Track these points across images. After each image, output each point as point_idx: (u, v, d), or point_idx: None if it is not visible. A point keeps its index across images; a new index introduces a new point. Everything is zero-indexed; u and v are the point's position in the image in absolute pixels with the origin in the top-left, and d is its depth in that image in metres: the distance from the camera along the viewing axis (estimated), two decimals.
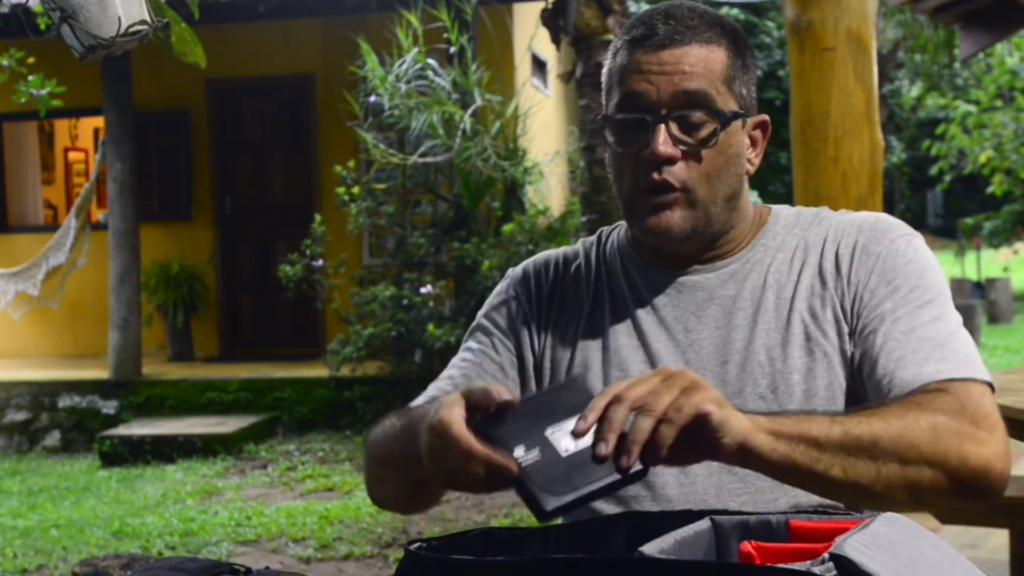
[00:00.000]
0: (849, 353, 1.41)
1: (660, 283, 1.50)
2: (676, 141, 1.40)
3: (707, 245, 1.48)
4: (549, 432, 1.13)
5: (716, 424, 1.14)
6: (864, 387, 1.40)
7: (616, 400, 1.12)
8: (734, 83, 1.43)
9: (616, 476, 1.11)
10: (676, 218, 1.42)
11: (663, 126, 1.40)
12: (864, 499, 1.25)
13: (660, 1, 1.50)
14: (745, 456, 1.18)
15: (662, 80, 1.40)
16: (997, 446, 1.29)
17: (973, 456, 1.26)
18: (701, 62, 1.41)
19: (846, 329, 1.42)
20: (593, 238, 1.62)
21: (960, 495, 1.28)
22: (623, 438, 1.11)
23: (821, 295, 1.44)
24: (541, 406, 1.16)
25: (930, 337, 1.36)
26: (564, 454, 1.12)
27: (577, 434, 1.12)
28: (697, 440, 1.14)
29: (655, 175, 1.41)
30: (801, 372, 1.41)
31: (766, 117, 1.51)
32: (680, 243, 1.45)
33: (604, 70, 1.50)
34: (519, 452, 1.12)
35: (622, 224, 1.60)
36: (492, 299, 1.62)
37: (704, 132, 1.41)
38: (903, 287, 1.41)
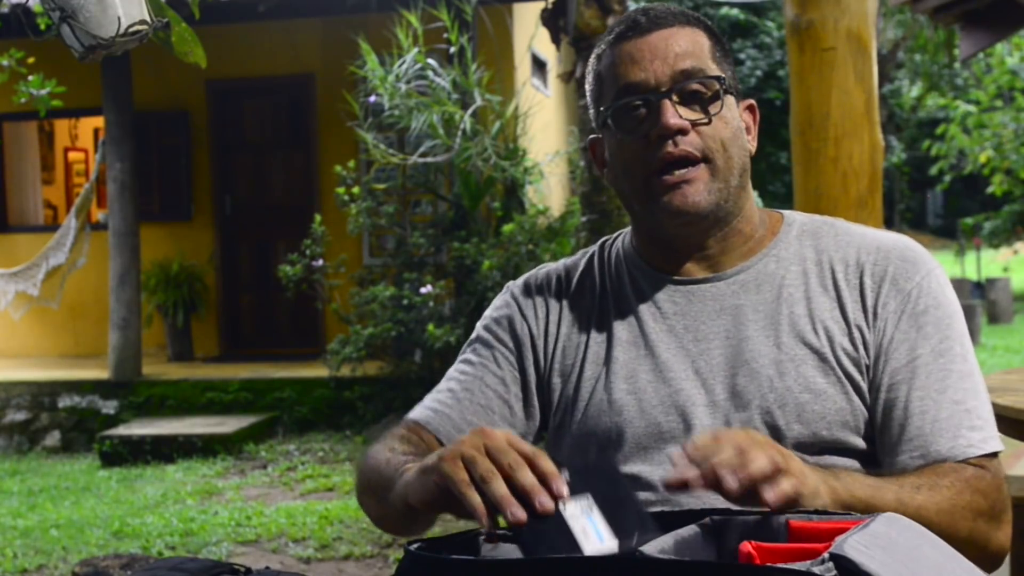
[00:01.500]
0: (863, 385, 1.41)
1: (669, 291, 1.48)
2: (682, 114, 1.41)
3: (719, 224, 1.45)
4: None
5: (799, 502, 1.16)
6: (881, 425, 1.40)
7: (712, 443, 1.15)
8: (721, 63, 1.45)
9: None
10: (699, 192, 1.41)
11: (667, 101, 1.40)
12: None
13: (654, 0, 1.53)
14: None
15: (656, 63, 1.41)
16: (1009, 528, 1.35)
17: (995, 542, 1.34)
18: (688, 41, 1.43)
19: (863, 361, 1.41)
20: (594, 248, 1.60)
21: None
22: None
23: (841, 321, 1.42)
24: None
25: (961, 400, 1.38)
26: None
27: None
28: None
29: (671, 148, 1.40)
30: (813, 392, 1.39)
31: (752, 102, 1.53)
32: (704, 220, 1.43)
33: (590, 76, 1.50)
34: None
35: (624, 232, 1.58)
36: (492, 312, 1.59)
37: (707, 100, 1.42)
38: (934, 336, 1.41)
